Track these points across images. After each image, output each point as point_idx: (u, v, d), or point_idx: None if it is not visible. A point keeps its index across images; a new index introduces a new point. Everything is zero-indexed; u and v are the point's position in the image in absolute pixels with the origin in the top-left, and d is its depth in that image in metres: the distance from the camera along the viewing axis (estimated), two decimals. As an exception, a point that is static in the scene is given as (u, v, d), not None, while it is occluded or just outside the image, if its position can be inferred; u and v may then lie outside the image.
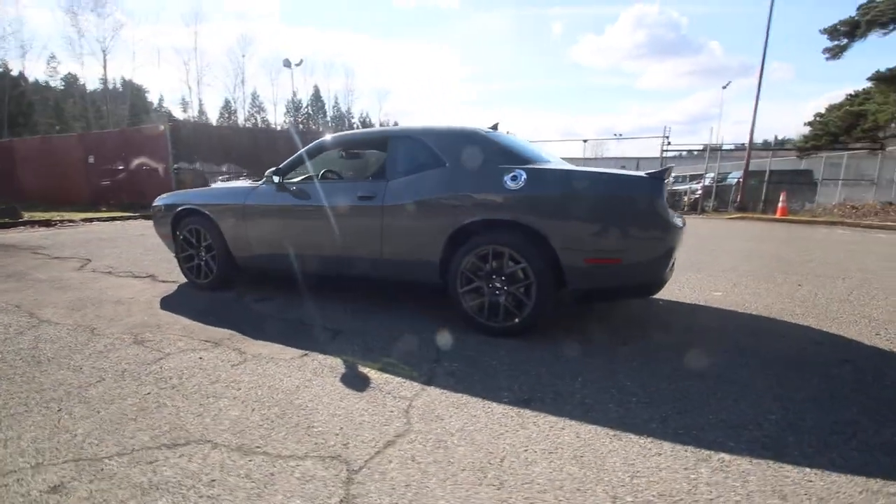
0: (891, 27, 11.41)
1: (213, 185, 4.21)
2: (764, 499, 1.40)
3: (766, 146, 23.73)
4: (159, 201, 4.19)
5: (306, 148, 3.41)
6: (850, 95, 13.82)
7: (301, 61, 34.59)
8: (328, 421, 1.81)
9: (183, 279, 4.22)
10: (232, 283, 3.94)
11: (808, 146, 14.31)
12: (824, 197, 14.24)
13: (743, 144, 15.90)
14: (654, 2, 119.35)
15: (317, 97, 71.96)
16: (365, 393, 2.05)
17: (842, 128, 12.75)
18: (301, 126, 65.65)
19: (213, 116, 60.61)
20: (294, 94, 65.47)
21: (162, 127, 14.51)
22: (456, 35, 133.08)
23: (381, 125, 72.71)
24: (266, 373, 2.25)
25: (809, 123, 14.92)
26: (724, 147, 16.54)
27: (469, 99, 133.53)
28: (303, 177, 3.68)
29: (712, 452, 1.62)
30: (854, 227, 10.01)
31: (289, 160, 3.43)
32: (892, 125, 11.75)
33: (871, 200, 12.64)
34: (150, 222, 4.57)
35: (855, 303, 3.59)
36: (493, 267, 2.68)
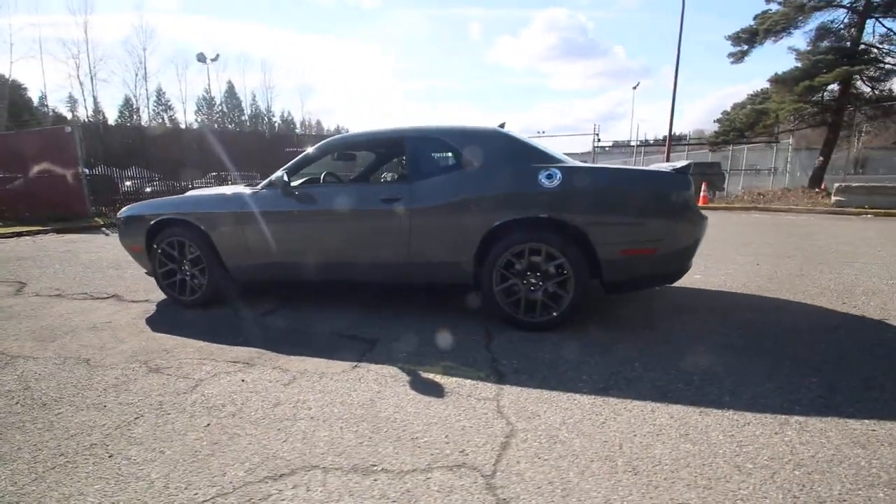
0: (782, 35, 13.21)
1: (192, 193, 3.81)
2: (850, 450, 1.59)
3: (682, 141, 26.17)
4: (128, 212, 3.72)
5: (312, 149, 3.22)
6: (751, 95, 15.84)
7: (217, 56, 32.22)
8: (427, 430, 1.76)
9: (157, 297, 3.81)
10: (223, 299, 3.62)
11: (718, 140, 16.19)
12: (731, 186, 16.11)
13: (661, 139, 17.36)
14: (564, 5, 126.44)
15: (231, 94, 67.24)
16: (446, 398, 2.00)
17: (746, 124, 14.55)
18: (216, 125, 61.25)
19: (111, 116, 54.31)
20: (207, 90, 60.60)
21: (69, 128, 12.78)
22: (379, 33, 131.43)
23: (303, 124, 69.92)
24: (327, 389, 2.12)
25: (718, 120, 16.91)
26: (650, 142, 18.00)
27: (397, 97, 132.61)
28: (303, 180, 3.47)
29: (787, 416, 1.80)
30: (765, 211, 11.43)
31: (293, 163, 3.22)
32: (792, 121, 13.59)
33: (770, 187, 14.55)
34: (70, 237, 4.09)
35: (809, 277, 4.13)
36: (529, 264, 2.73)
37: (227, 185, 15.57)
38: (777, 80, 13.28)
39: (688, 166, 2.66)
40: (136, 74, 50.69)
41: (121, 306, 3.64)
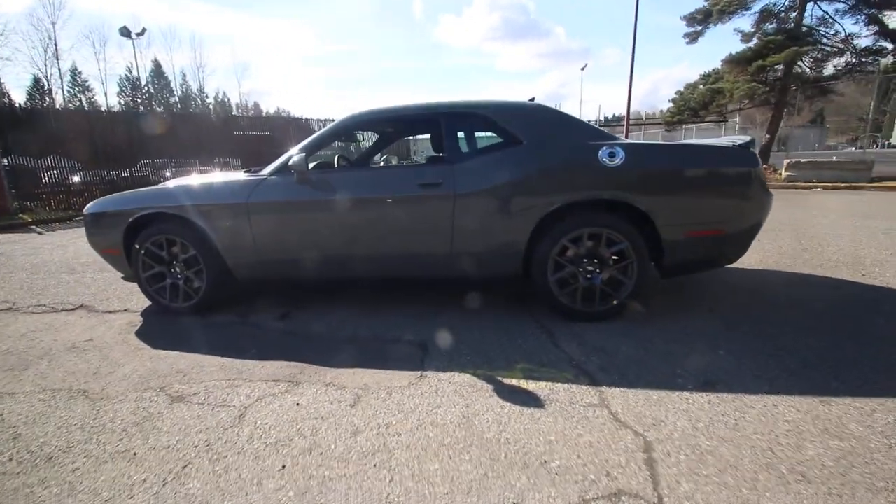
0: (733, 16, 13.76)
1: (182, 182, 3.25)
2: None
3: (638, 120, 27.02)
4: (96, 207, 3.13)
5: (331, 127, 2.81)
6: (703, 75, 16.52)
7: (144, 30, 29.26)
8: (552, 451, 1.52)
9: (137, 305, 3.28)
10: (223, 304, 3.16)
11: (674, 120, 16.84)
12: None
13: (614, 118, 17.70)
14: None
15: (159, 73, 61.68)
16: (549, 408, 1.78)
17: (701, 103, 15.18)
18: (142, 107, 56.23)
19: (19, 98, 48.14)
20: (130, 70, 55.18)
21: (-29, 111, 11.04)
22: (317, 13, 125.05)
23: (239, 106, 65.57)
24: (404, 407, 1.82)
25: (673, 100, 17.53)
26: (608, 120, 18.34)
27: (335, 78, 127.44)
28: (314, 164, 3.06)
29: (905, 400, 1.74)
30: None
31: (309, 143, 2.80)
32: (744, 100, 14.31)
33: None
34: None
35: (814, 251, 4.26)
36: (587, 250, 2.54)
37: (162, 178, 14.17)
38: (731, 61, 13.88)
39: (751, 141, 2.54)
40: (46, 52, 45.20)
41: (97, 319, 3.08)
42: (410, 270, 2.78)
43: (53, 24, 43.53)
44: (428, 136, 3.53)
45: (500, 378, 2.03)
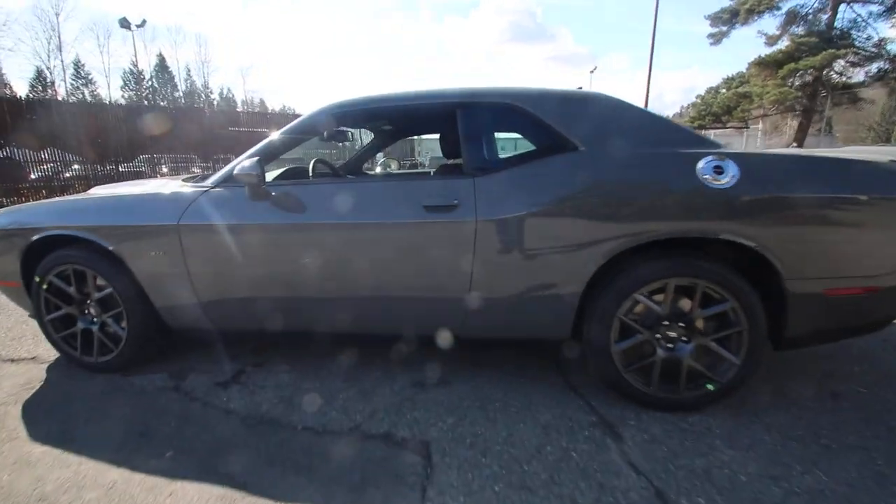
0: (762, 15, 12.92)
1: (98, 192, 2.45)
2: None
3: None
4: (-14, 223, 2.33)
5: (298, 122, 1.99)
6: (727, 79, 15.63)
7: (144, 21, 28.59)
8: None
9: (50, 351, 2.47)
10: (154, 356, 2.35)
11: (695, 125, 15.93)
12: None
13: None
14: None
15: (163, 68, 61.14)
16: None
17: (725, 108, 14.30)
18: (146, 101, 55.65)
19: (21, 90, 47.60)
20: (134, 63, 54.59)
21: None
22: (326, 8, 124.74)
23: (245, 102, 64.84)
24: None
25: (694, 105, 16.66)
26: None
27: (343, 77, 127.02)
28: (280, 171, 2.25)
29: None
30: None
31: (266, 143, 1.99)
32: (772, 106, 13.44)
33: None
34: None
35: None
36: (673, 308, 1.72)
37: (158, 174, 13.42)
38: (759, 63, 13.00)
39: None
40: (49, 43, 44.76)
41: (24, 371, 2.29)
42: (405, 326, 1.96)
43: (57, 15, 43.02)
44: (437, 135, 2.72)
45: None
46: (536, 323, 1.85)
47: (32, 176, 12.09)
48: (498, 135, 2.66)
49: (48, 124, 12.05)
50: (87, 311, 2.23)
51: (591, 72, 39.17)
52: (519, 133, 2.19)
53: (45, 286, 2.18)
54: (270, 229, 1.88)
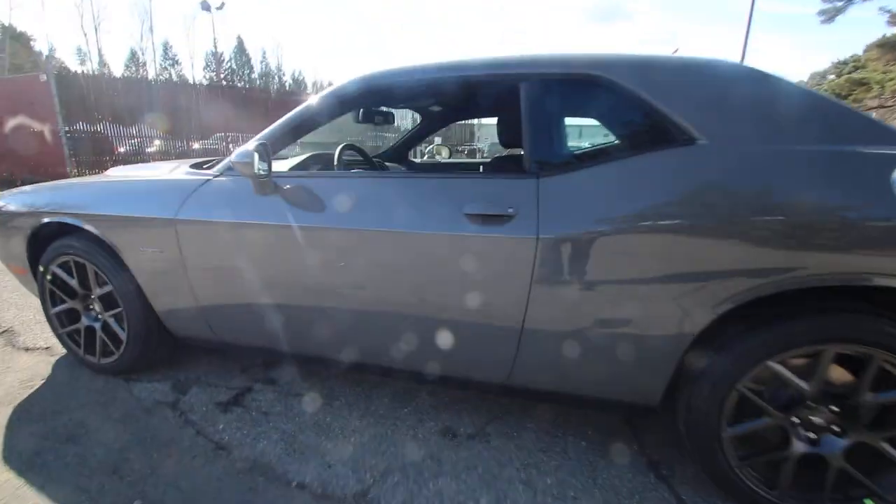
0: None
1: (111, 173, 2.23)
2: None
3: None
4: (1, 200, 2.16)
5: (317, 100, 1.58)
6: (838, 63, 13.51)
7: (223, 4, 29.82)
8: None
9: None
10: (160, 361, 2.10)
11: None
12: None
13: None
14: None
15: (241, 50, 64.25)
16: None
17: (836, 95, 12.41)
18: (224, 83, 58.93)
19: (117, 69, 52.09)
20: (215, 45, 57.81)
21: (44, 76, 11.11)
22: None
23: (315, 85, 66.68)
24: None
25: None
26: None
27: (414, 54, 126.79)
28: (303, 158, 1.88)
29: None
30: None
31: (279, 125, 1.60)
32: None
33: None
34: None
35: None
36: (826, 385, 1.16)
37: (232, 150, 13.90)
38: (882, 45, 11.04)
39: None
40: (143, 24, 48.35)
41: (2, 356, 2.15)
42: (433, 365, 1.52)
43: (149, -1, 46.27)
44: (495, 119, 2.23)
45: None
46: (612, 381, 1.36)
47: (121, 150, 12.92)
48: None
49: (137, 102, 12.85)
50: (91, 308, 2.01)
51: (675, 52, 36.04)
52: (602, 118, 1.55)
53: (48, 277, 1.98)
54: (271, 230, 1.51)
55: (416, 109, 2.46)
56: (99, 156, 12.11)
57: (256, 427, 1.67)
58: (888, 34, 10.82)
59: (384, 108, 2.20)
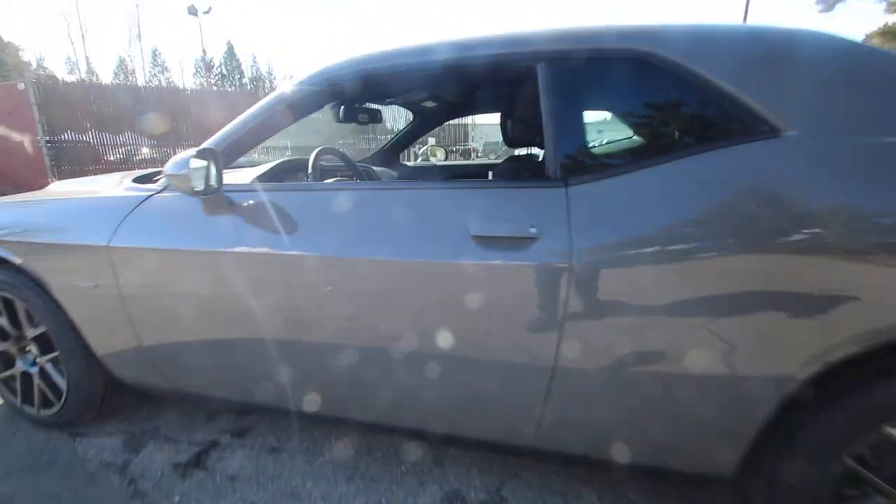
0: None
1: (52, 189, 1.90)
2: None
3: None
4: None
5: (281, 92, 1.27)
6: None
7: (210, 9, 29.43)
8: None
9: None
10: (110, 412, 1.78)
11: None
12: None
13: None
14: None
15: (231, 55, 63.75)
16: None
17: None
18: (215, 88, 58.42)
19: (106, 77, 51.57)
20: (204, 51, 57.30)
21: (22, 84, 10.74)
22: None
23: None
24: None
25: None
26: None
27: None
28: (273, 164, 1.56)
29: None
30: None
31: (233, 127, 1.28)
32: None
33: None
34: None
35: None
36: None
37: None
38: (885, 33, 10.78)
39: None
40: (131, 32, 47.84)
41: None
42: (434, 423, 1.21)
43: (137, 5, 45.71)
44: (496, 113, 1.92)
45: None
46: (672, 446, 1.05)
47: (111, 158, 12.55)
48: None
49: (124, 108, 12.50)
50: (27, 350, 1.69)
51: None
52: (649, 108, 1.06)
53: (-28, 315, 1.66)
54: (224, 258, 1.19)
55: (406, 105, 2.14)
56: (83, 165, 11.74)
57: (220, 499, 1.36)
58: (889, 22, 10.59)
59: (370, 105, 1.88)
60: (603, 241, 0.94)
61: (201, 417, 1.76)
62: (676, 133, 0.97)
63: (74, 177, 11.28)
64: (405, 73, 1.19)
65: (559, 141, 1.01)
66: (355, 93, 1.38)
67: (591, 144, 1.04)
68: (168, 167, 1.10)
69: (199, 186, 1.08)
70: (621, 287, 0.93)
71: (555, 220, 0.95)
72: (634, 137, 1.01)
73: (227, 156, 1.25)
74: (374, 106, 2.02)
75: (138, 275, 1.30)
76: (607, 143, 1.00)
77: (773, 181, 0.88)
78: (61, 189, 1.82)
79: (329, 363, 1.20)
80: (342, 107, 1.77)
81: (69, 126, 11.76)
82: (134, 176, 1.61)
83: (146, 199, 1.32)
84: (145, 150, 13.22)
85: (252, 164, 1.71)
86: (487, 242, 0.98)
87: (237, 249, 1.18)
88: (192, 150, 1.10)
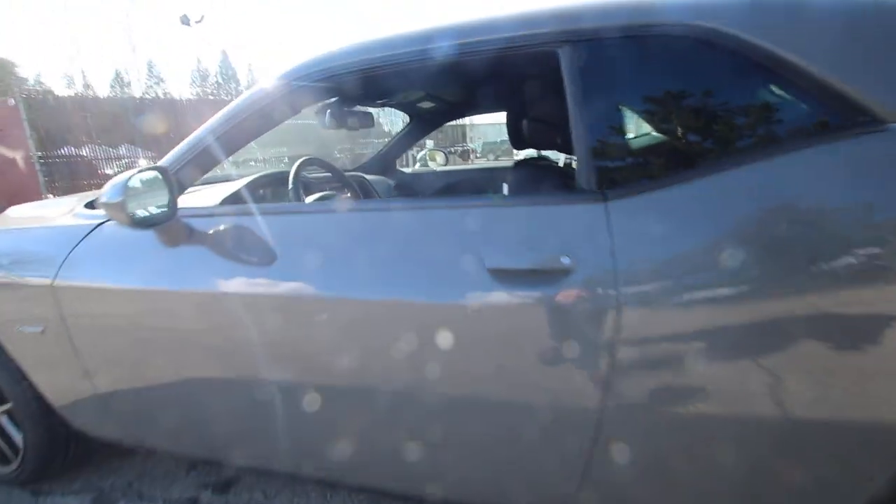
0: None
1: (9, 214, 1.70)
2: None
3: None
4: None
5: (243, 100, 1.05)
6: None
7: (202, 17, 29.24)
8: None
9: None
10: (80, 465, 1.57)
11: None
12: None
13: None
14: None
15: (226, 64, 63.74)
16: None
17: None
18: (211, 97, 58.52)
19: (103, 91, 51.51)
20: (199, 60, 57.37)
21: (12, 101, 10.58)
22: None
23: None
24: None
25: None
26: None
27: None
28: (248, 180, 1.35)
29: None
30: None
31: (199, 134, 1.07)
32: None
33: None
34: None
35: None
36: None
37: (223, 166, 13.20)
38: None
39: None
40: (126, 45, 47.90)
41: None
42: (435, 489, 1.00)
43: (127, 15, 45.69)
44: (501, 111, 1.70)
45: None
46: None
47: (108, 172, 12.38)
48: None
49: (120, 121, 12.32)
50: (-22, 401, 1.48)
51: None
52: (707, 96, 0.79)
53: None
54: (186, 298, 0.98)
55: (402, 107, 1.92)
56: (78, 180, 11.57)
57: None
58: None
59: (359, 108, 1.67)
60: (657, 269, 0.72)
61: (180, 469, 1.55)
62: (748, 129, 0.76)
63: (70, 193, 11.17)
64: (406, 63, 0.96)
65: (593, 143, 0.80)
66: (348, 89, 1.17)
67: (635, 147, 0.83)
68: (103, 193, 0.90)
69: (141, 214, 0.87)
70: (685, 330, 0.72)
71: (593, 245, 0.74)
72: (691, 137, 0.80)
73: (188, 173, 1.05)
74: (366, 109, 1.80)
75: (87, 318, 1.10)
76: (656, 145, 0.79)
77: (885, 184, 0.67)
78: (17, 214, 1.62)
79: (314, 421, 0.99)
80: (328, 110, 1.55)
81: (64, 141, 11.62)
82: (88, 199, 1.40)
83: (95, 227, 1.11)
84: (142, 162, 13.07)
85: (227, 179, 1.50)
86: (506, 277, 0.77)
87: (197, 289, 0.97)
88: (133, 171, 0.89)
